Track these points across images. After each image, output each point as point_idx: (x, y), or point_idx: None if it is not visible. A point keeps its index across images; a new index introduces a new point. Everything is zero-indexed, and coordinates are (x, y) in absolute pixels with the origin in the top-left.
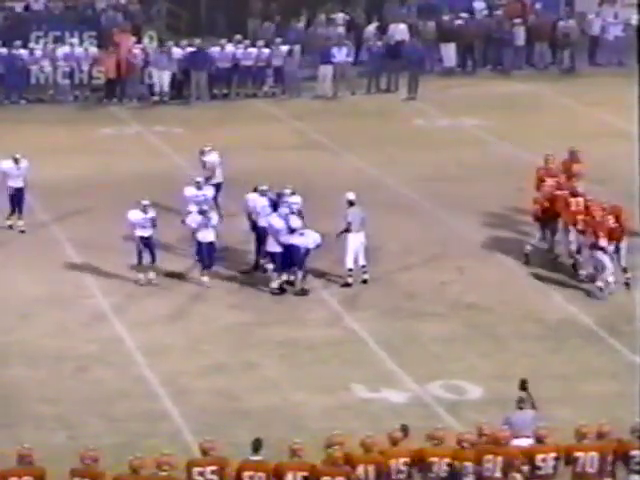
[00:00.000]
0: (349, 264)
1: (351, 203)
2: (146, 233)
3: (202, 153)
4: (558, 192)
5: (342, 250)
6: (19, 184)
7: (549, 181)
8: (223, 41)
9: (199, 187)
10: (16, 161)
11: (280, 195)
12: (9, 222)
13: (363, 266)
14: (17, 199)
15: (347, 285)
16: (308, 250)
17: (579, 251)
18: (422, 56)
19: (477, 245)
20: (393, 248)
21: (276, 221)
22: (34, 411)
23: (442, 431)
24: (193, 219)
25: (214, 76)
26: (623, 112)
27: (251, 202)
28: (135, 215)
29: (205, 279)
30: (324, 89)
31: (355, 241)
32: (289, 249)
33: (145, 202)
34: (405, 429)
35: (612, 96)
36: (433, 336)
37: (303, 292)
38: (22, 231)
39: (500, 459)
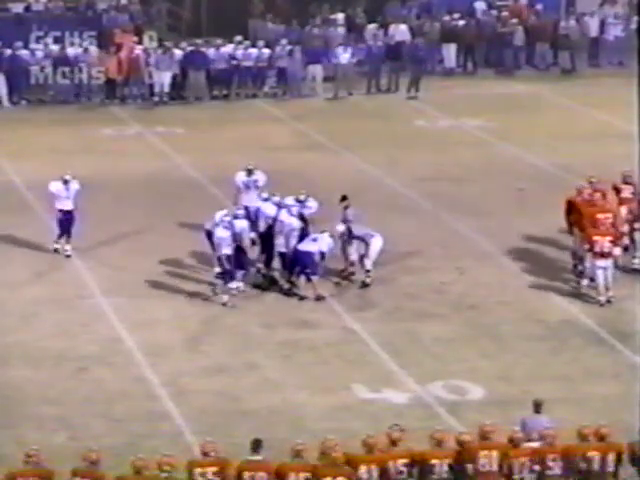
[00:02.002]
0: (368, 265)
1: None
2: (229, 250)
3: (250, 173)
4: (578, 199)
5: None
6: (68, 207)
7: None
8: (223, 41)
9: (236, 217)
10: (65, 182)
11: (299, 201)
12: (56, 245)
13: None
14: (65, 222)
15: (365, 285)
16: (323, 254)
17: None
18: (423, 56)
19: (477, 245)
20: (393, 248)
21: (291, 220)
22: (35, 412)
23: (442, 432)
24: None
25: (214, 77)
26: (623, 112)
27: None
28: (222, 233)
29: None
30: (315, 89)
31: (377, 245)
32: (301, 256)
33: (228, 218)
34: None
35: (612, 97)
36: (434, 336)
37: (318, 298)
38: (68, 255)
39: (495, 454)
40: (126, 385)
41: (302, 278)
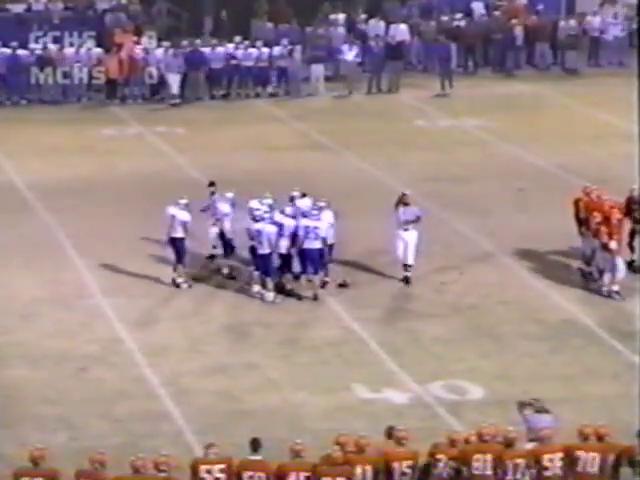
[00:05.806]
0: (410, 260)
1: (407, 203)
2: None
3: (321, 209)
4: (585, 199)
5: (344, 251)
6: (181, 234)
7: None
8: (223, 41)
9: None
10: (182, 208)
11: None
12: (179, 279)
13: (408, 265)
14: (182, 250)
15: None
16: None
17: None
18: (451, 55)
19: (477, 245)
20: (393, 248)
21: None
22: (35, 412)
23: (456, 434)
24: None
25: (214, 77)
26: (624, 112)
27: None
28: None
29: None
30: (317, 89)
31: (412, 237)
32: (308, 254)
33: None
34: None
35: (613, 96)
36: (434, 336)
37: (316, 298)
38: (177, 285)
39: (489, 457)
40: (126, 385)
41: (304, 277)
